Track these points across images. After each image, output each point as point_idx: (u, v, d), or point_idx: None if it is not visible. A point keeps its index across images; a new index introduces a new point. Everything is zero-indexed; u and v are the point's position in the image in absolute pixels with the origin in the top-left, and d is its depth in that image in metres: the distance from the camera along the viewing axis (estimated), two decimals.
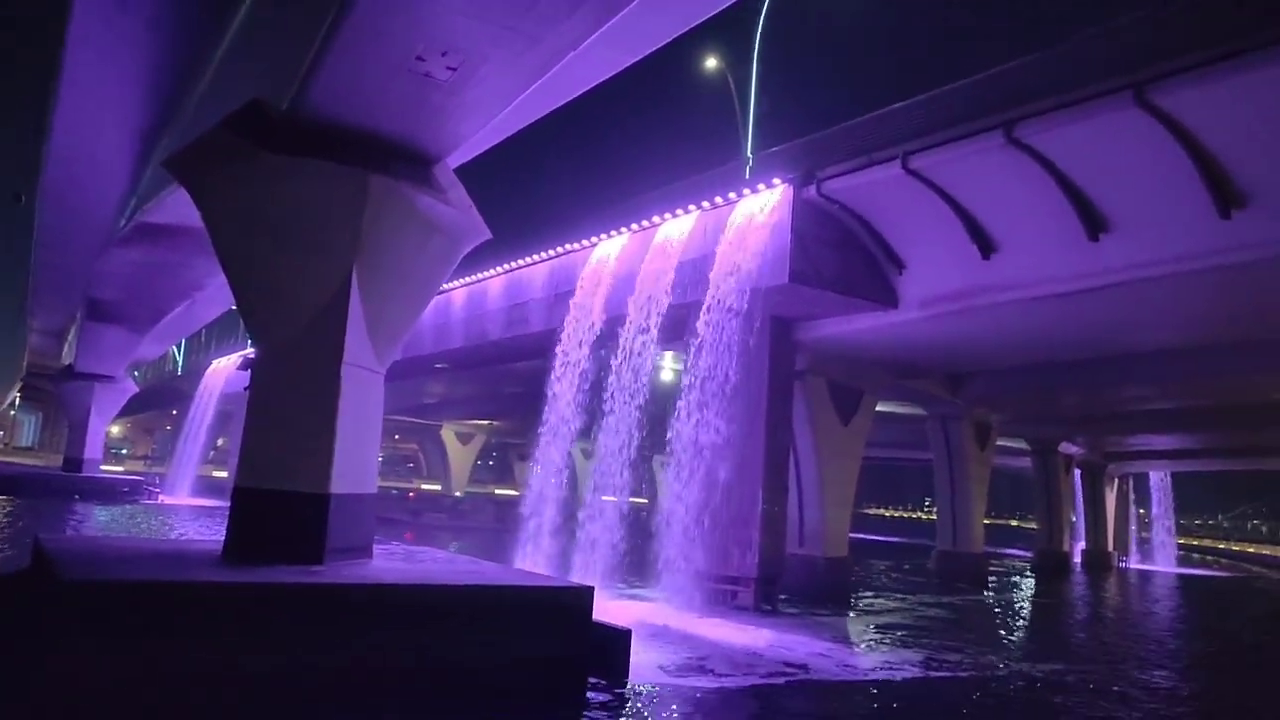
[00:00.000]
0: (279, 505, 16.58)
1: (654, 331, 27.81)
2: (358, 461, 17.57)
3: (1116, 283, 21.77)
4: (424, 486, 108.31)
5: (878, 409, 49.41)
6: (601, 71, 19.80)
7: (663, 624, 22.83)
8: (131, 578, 13.54)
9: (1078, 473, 68.05)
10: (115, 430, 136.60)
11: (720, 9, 17.12)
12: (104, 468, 72.27)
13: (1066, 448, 61.86)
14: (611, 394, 28.11)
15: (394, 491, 67.19)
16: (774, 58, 32.05)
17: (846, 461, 35.19)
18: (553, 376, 30.64)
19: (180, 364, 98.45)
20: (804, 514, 33.89)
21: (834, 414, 34.27)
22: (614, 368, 28.40)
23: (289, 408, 17.03)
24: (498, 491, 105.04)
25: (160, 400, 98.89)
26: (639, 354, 28.04)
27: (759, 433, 28.59)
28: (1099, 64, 19.32)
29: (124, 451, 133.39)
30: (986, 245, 23.90)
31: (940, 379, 41.40)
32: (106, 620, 12.25)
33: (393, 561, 18.21)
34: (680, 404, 27.15)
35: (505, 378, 53.00)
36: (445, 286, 41.46)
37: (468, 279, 40.03)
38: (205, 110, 21.00)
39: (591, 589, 16.18)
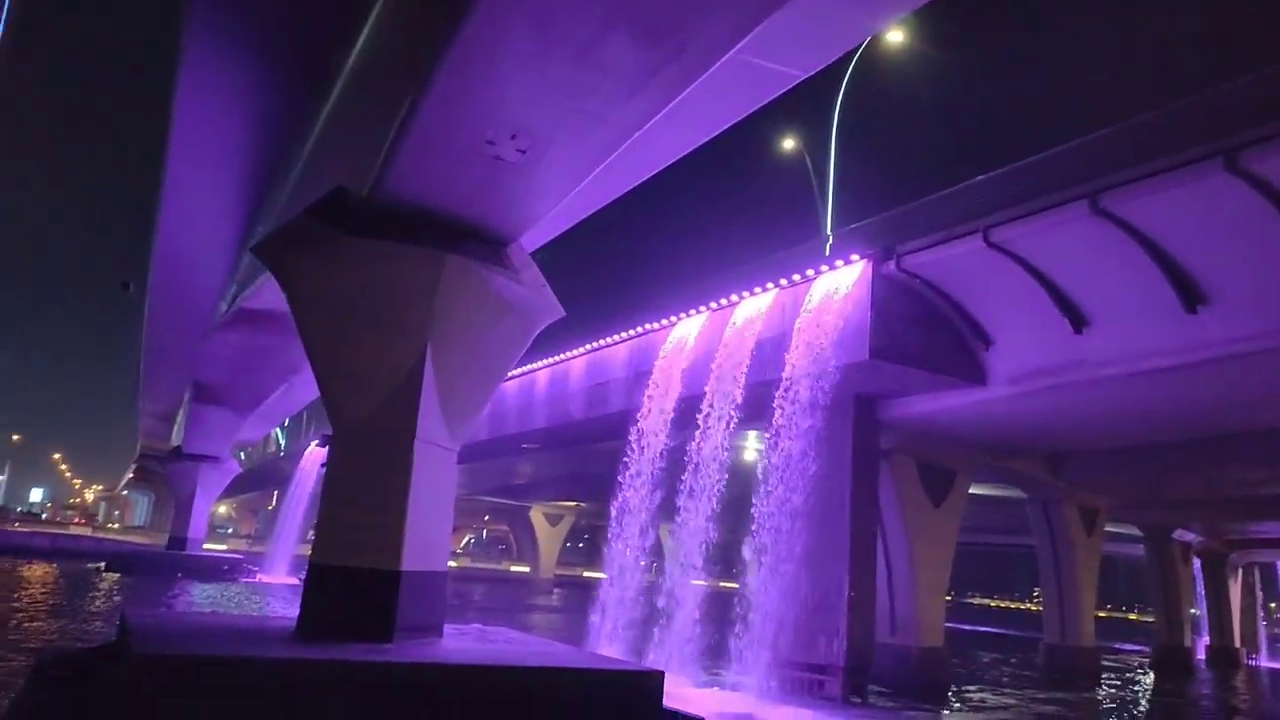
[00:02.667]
0: (350, 582, 16.67)
1: (732, 411, 27.48)
2: (429, 538, 17.61)
3: (1217, 357, 20.64)
4: (513, 568, 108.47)
5: (977, 491, 47.83)
6: (674, 151, 20.08)
7: (744, 712, 21.98)
8: (200, 652, 13.68)
9: (1197, 562, 63.85)
10: (221, 510, 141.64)
11: (786, 89, 17.28)
12: (207, 546, 74.52)
13: (1183, 534, 58.22)
14: (690, 475, 27.76)
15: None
16: (852, 134, 32.09)
17: (939, 545, 33.78)
18: (630, 456, 30.48)
19: (283, 445, 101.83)
20: (895, 601, 32.52)
21: (924, 495, 33.06)
22: (693, 448, 28.09)
23: (362, 484, 17.26)
24: (586, 574, 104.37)
25: (264, 481, 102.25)
26: (717, 434, 27.70)
27: (843, 513, 27.75)
28: (1185, 131, 18.67)
29: (229, 530, 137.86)
30: (1077, 319, 23.00)
31: (1039, 459, 39.65)
32: (177, 693, 12.38)
33: (463, 641, 18.04)
34: (761, 485, 26.57)
35: (591, 458, 53.07)
36: (530, 367, 42.21)
37: (551, 359, 40.53)
38: (296, 200, 21.99)
39: (661, 674, 15.65)
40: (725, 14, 12.12)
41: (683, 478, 27.96)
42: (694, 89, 16.62)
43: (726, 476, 27.42)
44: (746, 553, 26.36)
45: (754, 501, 26.64)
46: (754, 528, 26.77)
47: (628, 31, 12.43)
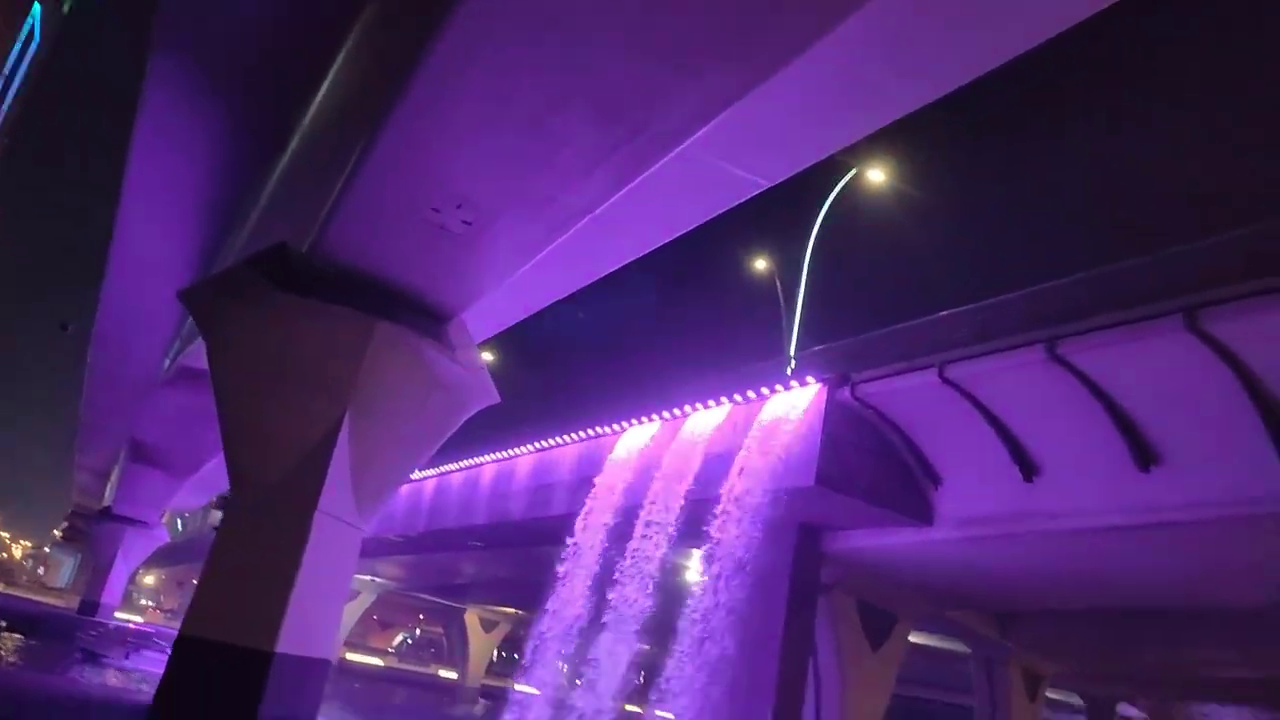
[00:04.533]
0: (217, 659, 15.24)
1: (670, 526, 26.38)
2: (315, 620, 16.26)
3: (1169, 521, 19.93)
4: (441, 673, 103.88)
5: (919, 640, 46.25)
6: (637, 245, 19.64)
7: None
8: None
9: None
10: (150, 580, 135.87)
11: (750, 195, 16.98)
12: (120, 615, 70.75)
13: (1126, 709, 56.45)
14: (619, 591, 26.45)
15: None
16: (825, 261, 32.08)
17: (875, 694, 32.15)
18: (564, 564, 29.15)
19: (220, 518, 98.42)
20: None
21: (863, 637, 31.64)
22: (625, 563, 26.86)
23: (250, 551, 16.04)
24: (517, 687, 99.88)
25: (197, 553, 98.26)
26: (652, 549, 26.53)
27: (773, 648, 26.35)
28: (1148, 286, 18.49)
29: (149, 603, 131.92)
30: (1028, 467, 22.36)
31: (988, 615, 38.39)
32: None
33: None
34: (688, 609, 25.28)
35: (532, 563, 51.26)
36: (476, 460, 40.97)
37: (498, 454, 39.35)
38: (244, 254, 21.33)
39: None
40: (684, 100, 11.76)
41: (610, 593, 26.62)
42: (657, 184, 16.24)
43: (655, 595, 26.09)
44: (665, 680, 24.86)
45: (679, 626, 25.29)
46: (676, 653, 25.35)
47: (586, 105, 12.05)
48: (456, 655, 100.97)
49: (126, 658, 46.16)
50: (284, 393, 16.36)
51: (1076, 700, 56.10)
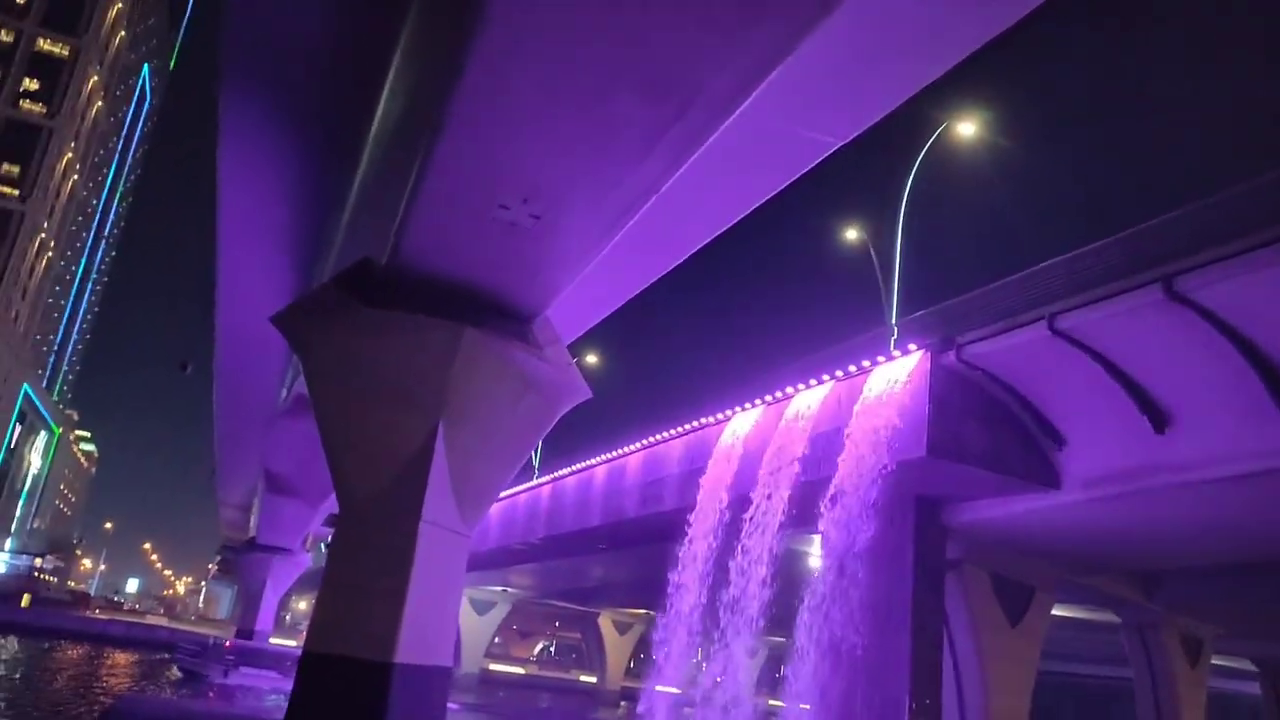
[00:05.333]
0: (341, 673, 15.59)
1: (779, 510, 25.84)
2: (431, 629, 16.47)
3: None
4: (581, 678, 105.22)
5: (1069, 614, 44.09)
6: (714, 223, 19.38)
7: None
8: None
9: None
10: (302, 605, 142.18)
11: (824, 156, 16.45)
12: (275, 640, 74.05)
13: None
14: (735, 584, 26.04)
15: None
16: (919, 224, 30.95)
17: (1017, 668, 30.79)
18: (680, 560, 28.94)
19: None
20: None
21: (999, 611, 30.34)
22: (739, 551, 26.45)
23: (362, 566, 16.33)
24: (658, 687, 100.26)
25: None
26: (766, 536, 26.04)
27: (903, 629, 25.47)
28: (1267, 211, 17.04)
29: (303, 627, 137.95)
30: (1158, 417, 20.96)
31: (1130, 578, 36.35)
32: None
33: None
34: (808, 594, 24.68)
35: (655, 562, 51.29)
36: (588, 462, 41.22)
37: (608, 455, 39.49)
38: (332, 276, 21.92)
39: None
40: (723, 70, 11.35)
41: (727, 587, 26.24)
42: (723, 157, 15.98)
43: (774, 585, 25.57)
44: (790, 669, 24.31)
45: (799, 614, 24.70)
46: (796, 643, 24.77)
47: (631, 87, 11.79)
48: (594, 659, 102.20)
49: (225, 675, 47.78)
50: (378, 407, 16.63)
51: (1249, 665, 52.64)
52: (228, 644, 67.33)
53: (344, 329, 16.64)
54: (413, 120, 14.43)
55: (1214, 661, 44.22)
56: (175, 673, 51.22)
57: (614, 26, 10.41)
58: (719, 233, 19.34)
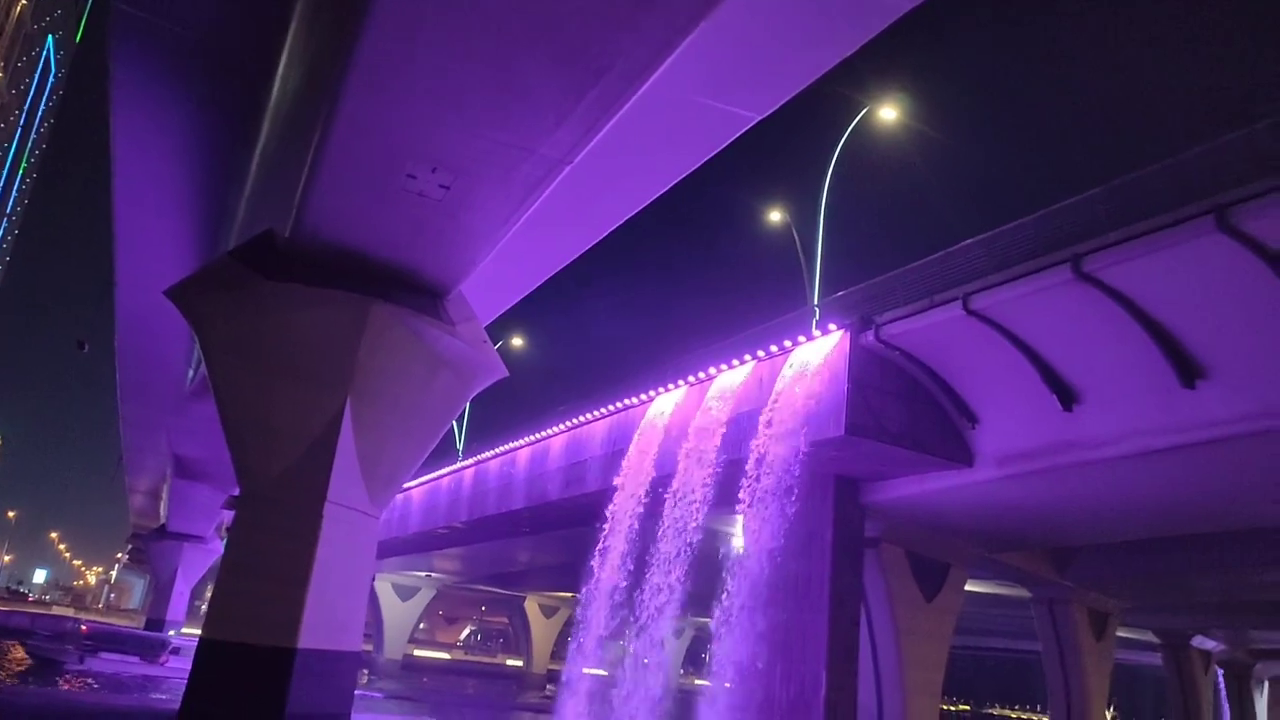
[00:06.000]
0: (240, 660, 14.97)
1: (700, 491, 25.76)
2: (337, 613, 15.93)
3: (1218, 438, 18.87)
4: (509, 662, 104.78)
5: (984, 590, 45.17)
6: (631, 200, 19.02)
7: None
8: None
9: (1219, 673, 60.20)
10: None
11: (741, 132, 16.24)
12: (186, 630, 71.86)
13: (1203, 642, 54.91)
14: (656, 564, 25.91)
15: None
16: (842, 206, 31.08)
17: (933, 643, 31.38)
18: (600, 541, 28.70)
19: None
20: (883, 703, 30.06)
21: (915, 588, 30.86)
22: (659, 531, 26.31)
23: (264, 549, 15.69)
24: (584, 670, 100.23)
25: None
26: (687, 517, 25.93)
27: (821, 607, 25.63)
28: (1173, 189, 17.40)
29: None
30: (1067, 395, 21.36)
31: (1042, 554, 37.35)
32: None
33: None
34: (728, 573, 24.68)
35: (579, 545, 51.03)
36: (511, 445, 40.67)
37: (532, 437, 39.01)
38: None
39: None
40: (645, 28, 11.00)
41: (648, 568, 26.12)
42: (640, 129, 15.66)
43: (695, 565, 25.52)
44: (713, 647, 24.31)
45: (720, 592, 24.71)
46: (720, 619, 24.79)
47: (544, 48, 11.39)
48: (521, 643, 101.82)
49: (81, 661, 45.61)
50: (282, 384, 15.99)
51: (1151, 637, 54.74)
52: (84, 628, 64.14)
53: (243, 303, 15.93)
54: (312, 86, 13.78)
55: (1119, 634, 45.82)
56: (24, 659, 48.28)
57: None
58: (638, 209, 19.01)
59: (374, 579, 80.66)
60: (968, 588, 42.84)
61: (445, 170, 13.69)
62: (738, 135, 16.10)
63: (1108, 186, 18.95)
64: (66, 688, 36.35)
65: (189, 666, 47.09)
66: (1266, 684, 64.45)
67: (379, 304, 16.08)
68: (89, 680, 40.03)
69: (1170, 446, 19.83)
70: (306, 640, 15.06)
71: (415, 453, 17.81)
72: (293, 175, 15.50)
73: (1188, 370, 18.84)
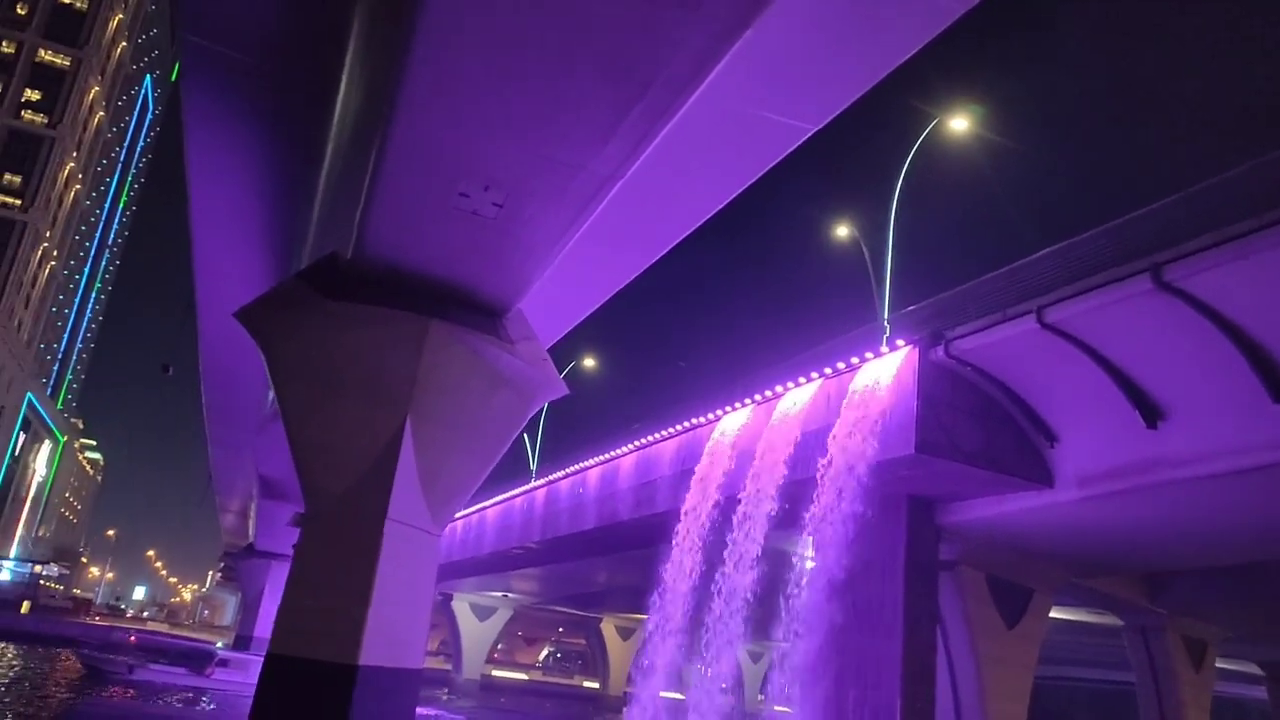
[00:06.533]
0: (303, 675, 15.18)
1: (768, 511, 25.35)
2: (398, 629, 16.04)
3: None
4: (585, 684, 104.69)
5: (1071, 617, 43.44)
6: (692, 216, 18.93)
7: None
8: None
9: None
10: None
11: (798, 143, 16.02)
12: None
13: None
14: (720, 588, 25.56)
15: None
16: (911, 220, 30.48)
17: (1015, 672, 30.18)
18: (667, 562, 28.47)
19: None
20: None
21: (996, 614, 29.74)
22: (726, 553, 25.96)
23: (327, 566, 15.93)
24: (662, 694, 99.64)
25: None
26: (752, 540, 25.54)
27: (895, 631, 24.93)
28: (1255, 197, 16.54)
29: None
30: (1151, 411, 20.42)
31: (1133, 580, 35.72)
32: None
33: None
34: (797, 595, 24.17)
35: (652, 565, 50.79)
36: (581, 465, 40.77)
37: (602, 457, 39.04)
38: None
39: None
40: (687, 38, 10.92)
41: (713, 591, 25.76)
42: (691, 143, 15.60)
43: (762, 586, 25.08)
44: (778, 672, 23.80)
45: (783, 615, 24.21)
46: (789, 642, 24.27)
47: (587, 65, 11.40)
48: (598, 665, 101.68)
49: (130, 672, 46.44)
50: (344, 402, 16.26)
51: (1255, 669, 51.88)
52: (132, 639, 65.34)
53: (308, 323, 16.27)
54: (369, 111, 14.07)
55: (1220, 665, 43.52)
56: (78, 668, 49.62)
57: (567, 6, 10.04)
58: (695, 225, 18.89)
59: (452, 599, 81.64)
60: (1056, 615, 41.29)
61: (497, 188, 13.77)
62: (794, 148, 15.88)
63: (1187, 193, 18.13)
64: (127, 698, 37.56)
65: (236, 679, 47.91)
66: None
67: (437, 322, 16.25)
68: (142, 691, 40.95)
69: (1261, 465, 18.76)
70: (368, 657, 15.20)
71: (476, 470, 17.91)
72: (353, 199, 15.81)
73: (1277, 383, 17.82)
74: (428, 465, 16.54)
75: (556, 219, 14.49)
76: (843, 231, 30.73)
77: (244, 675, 46.10)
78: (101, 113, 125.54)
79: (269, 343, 17.02)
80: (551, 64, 11.44)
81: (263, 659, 15.30)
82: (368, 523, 15.79)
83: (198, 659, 56.78)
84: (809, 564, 25.84)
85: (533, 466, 54.71)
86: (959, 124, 28.39)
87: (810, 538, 24.91)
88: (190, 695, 42.34)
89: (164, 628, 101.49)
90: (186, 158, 18.76)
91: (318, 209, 19.30)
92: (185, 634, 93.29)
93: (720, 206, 18.32)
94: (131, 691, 41.18)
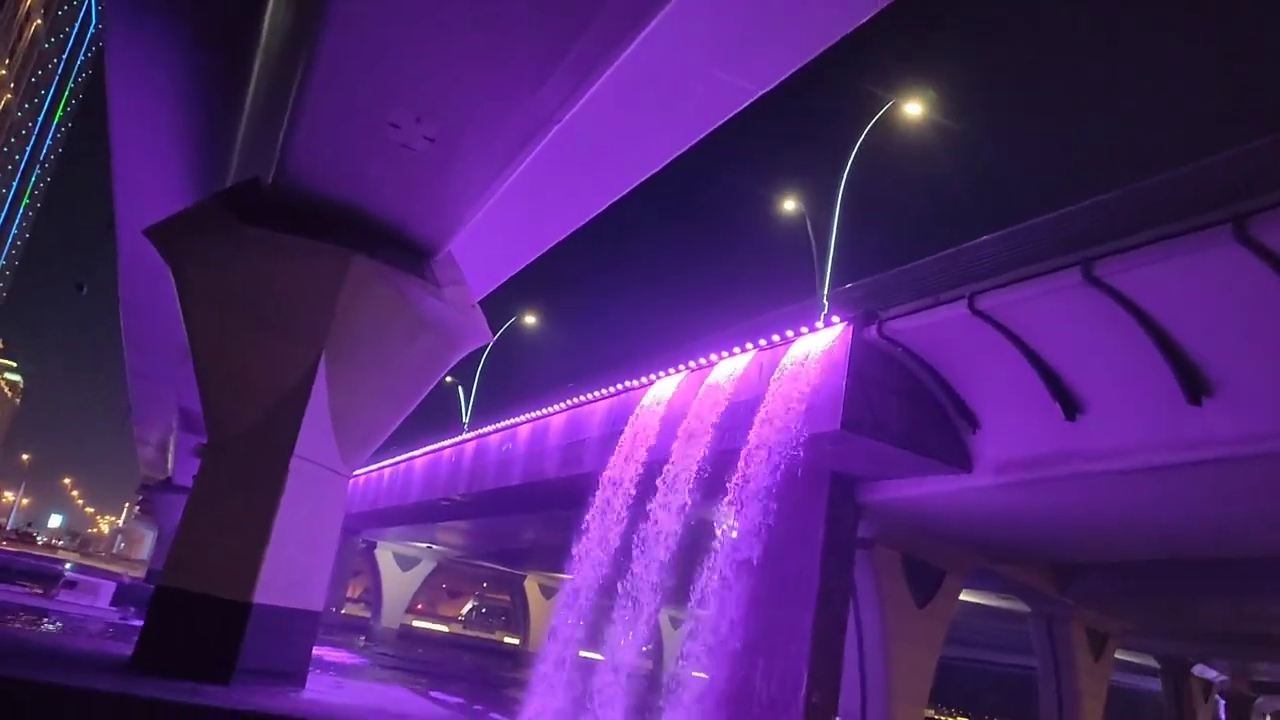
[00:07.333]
0: (194, 610, 14.70)
1: (692, 478, 25.27)
2: (298, 569, 15.62)
3: (1222, 457, 18.13)
4: (506, 639, 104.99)
5: (986, 602, 44.42)
6: (635, 169, 18.54)
7: None
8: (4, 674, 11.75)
9: (1220, 703, 59.18)
10: None
11: (743, 105, 15.70)
12: None
13: (1204, 671, 53.95)
14: (642, 548, 25.48)
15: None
16: (861, 199, 30.40)
17: (922, 651, 30.78)
18: (589, 522, 28.31)
19: None
20: (866, 708, 29.53)
21: (908, 593, 30.24)
22: (648, 516, 25.86)
23: (226, 500, 15.40)
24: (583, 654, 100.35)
25: None
26: (675, 504, 25.46)
27: (808, 604, 25.11)
28: (1190, 197, 16.68)
29: None
30: (1070, 404, 20.67)
31: (1044, 569, 36.58)
32: None
33: (328, 694, 15.85)
34: (715, 565, 24.19)
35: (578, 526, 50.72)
36: (513, 420, 40.35)
37: (533, 414, 38.67)
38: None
39: None
40: None
41: (634, 551, 25.68)
42: (635, 94, 15.19)
43: (680, 553, 25.06)
44: (693, 638, 23.86)
45: (700, 578, 24.26)
46: (694, 608, 24.34)
47: None
48: (520, 622, 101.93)
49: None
50: (256, 333, 15.67)
51: (1152, 662, 53.86)
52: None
53: (222, 247, 15.61)
54: (296, 24, 13.39)
55: (1120, 657, 45.02)
56: None
57: None
58: (636, 182, 18.53)
59: (375, 548, 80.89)
60: (970, 599, 42.23)
61: (429, 120, 13.24)
62: (738, 110, 15.57)
63: (1125, 190, 18.23)
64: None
65: (84, 602, 45.56)
66: (1268, 718, 63.34)
67: (360, 258, 15.70)
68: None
69: (1174, 464, 19.11)
70: (263, 595, 14.76)
71: (393, 413, 17.45)
72: (278, 122, 15.12)
73: (1194, 385, 18.12)
74: (341, 403, 16.07)
75: (491, 158, 14.01)
76: (790, 205, 30.52)
77: (92, 599, 44.53)
78: (39, 20, 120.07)
79: (179, 264, 16.33)
80: None
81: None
82: (273, 458, 15.30)
83: (45, 580, 54.54)
84: (732, 534, 25.89)
85: (465, 419, 54.12)
86: (913, 108, 28.29)
87: (732, 508, 24.89)
88: (34, 617, 40.47)
89: (74, 557, 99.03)
90: (106, 61, 17.80)
91: (243, 129, 18.47)
92: (95, 564, 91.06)
93: (661, 165, 17.97)
94: None
